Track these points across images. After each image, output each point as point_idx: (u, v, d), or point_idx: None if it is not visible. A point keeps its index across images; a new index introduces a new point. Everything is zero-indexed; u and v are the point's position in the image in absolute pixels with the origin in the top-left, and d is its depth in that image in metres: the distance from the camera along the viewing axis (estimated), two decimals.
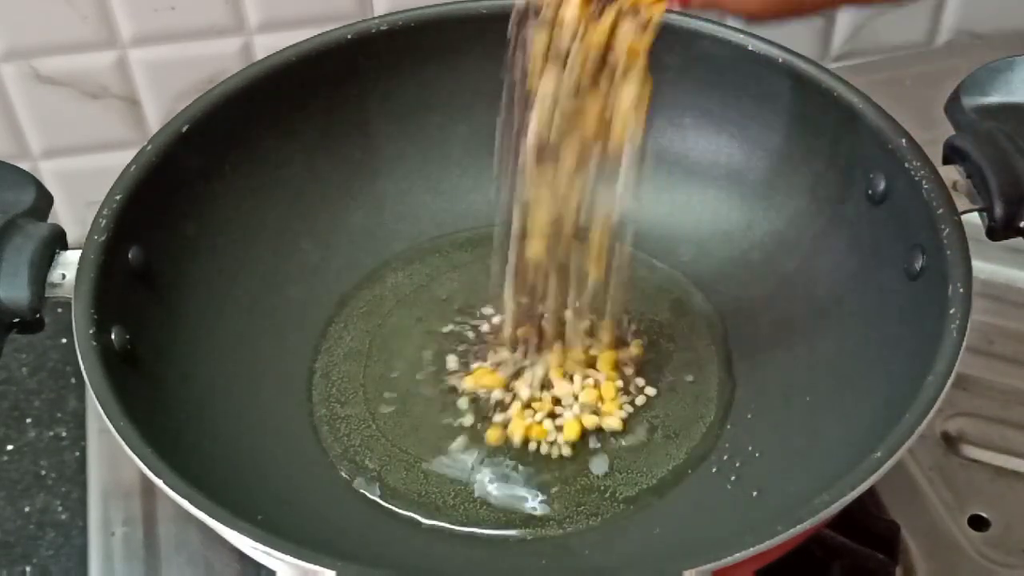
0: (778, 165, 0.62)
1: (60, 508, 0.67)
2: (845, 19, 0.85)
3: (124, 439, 0.46)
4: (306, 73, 0.61)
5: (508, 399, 0.58)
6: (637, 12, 0.50)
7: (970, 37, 0.89)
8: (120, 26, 0.72)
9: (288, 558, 0.42)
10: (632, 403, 0.58)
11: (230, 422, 0.55)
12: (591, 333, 0.59)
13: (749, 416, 0.57)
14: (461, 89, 0.64)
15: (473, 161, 0.66)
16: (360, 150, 0.64)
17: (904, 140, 0.54)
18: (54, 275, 0.51)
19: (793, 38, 0.60)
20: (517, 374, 0.59)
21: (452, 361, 0.60)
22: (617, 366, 0.59)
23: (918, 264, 0.53)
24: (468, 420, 0.58)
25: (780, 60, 0.59)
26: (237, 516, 0.44)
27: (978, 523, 0.60)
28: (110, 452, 0.63)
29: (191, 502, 0.44)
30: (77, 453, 0.69)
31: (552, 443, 0.57)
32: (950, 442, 0.63)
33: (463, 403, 0.58)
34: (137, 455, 0.45)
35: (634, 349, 0.60)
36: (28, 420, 0.72)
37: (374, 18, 0.62)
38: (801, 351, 0.58)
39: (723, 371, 0.59)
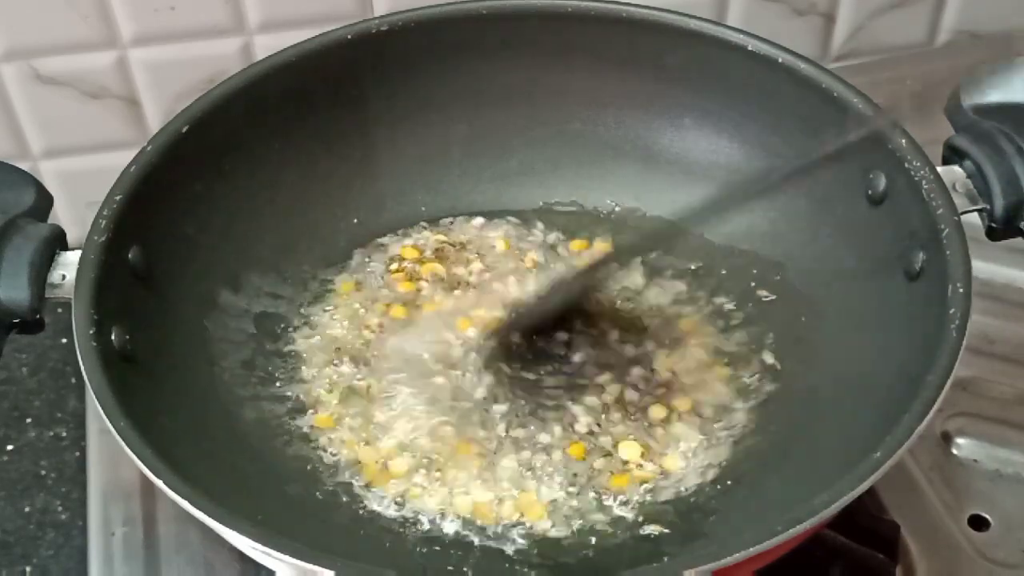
0: (778, 165, 0.62)
1: (60, 508, 0.67)
2: (845, 19, 0.85)
3: (124, 439, 0.46)
4: (306, 73, 0.61)
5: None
6: None
7: (970, 37, 0.89)
8: (120, 26, 0.72)
9: (288, 558, 0.42)
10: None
11: (230, 422, 0.55)
12: None
13: (749, 416, 0.57)
14: (461, 89, 0.64)
15: (473, 161, 0.66)
16: (360, 150, 0.64)
17: (904, 140, 0.54)
18: (54, 275, 0.52)
19: (793, 38, 0.60)
20: None
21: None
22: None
23: (918, 264, 0.53)
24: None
25: (780, 60, 0.59)
26: (237, 516, 0.44)
27: (978, 523, 0.60)
28: (110, 452, 0.63)
29: (191, 502, 0.44)
30: (77, 453, 0.69)
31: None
32: (950, 442, 0.63)
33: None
34: (137, 455, 0.45)
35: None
36: (28, 420, 0.72)
37: (374, 18, 0.62)
38: (801, 351, 0.58)
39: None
